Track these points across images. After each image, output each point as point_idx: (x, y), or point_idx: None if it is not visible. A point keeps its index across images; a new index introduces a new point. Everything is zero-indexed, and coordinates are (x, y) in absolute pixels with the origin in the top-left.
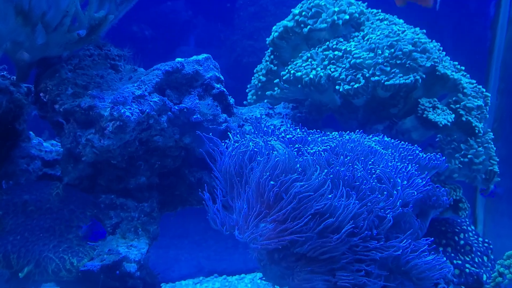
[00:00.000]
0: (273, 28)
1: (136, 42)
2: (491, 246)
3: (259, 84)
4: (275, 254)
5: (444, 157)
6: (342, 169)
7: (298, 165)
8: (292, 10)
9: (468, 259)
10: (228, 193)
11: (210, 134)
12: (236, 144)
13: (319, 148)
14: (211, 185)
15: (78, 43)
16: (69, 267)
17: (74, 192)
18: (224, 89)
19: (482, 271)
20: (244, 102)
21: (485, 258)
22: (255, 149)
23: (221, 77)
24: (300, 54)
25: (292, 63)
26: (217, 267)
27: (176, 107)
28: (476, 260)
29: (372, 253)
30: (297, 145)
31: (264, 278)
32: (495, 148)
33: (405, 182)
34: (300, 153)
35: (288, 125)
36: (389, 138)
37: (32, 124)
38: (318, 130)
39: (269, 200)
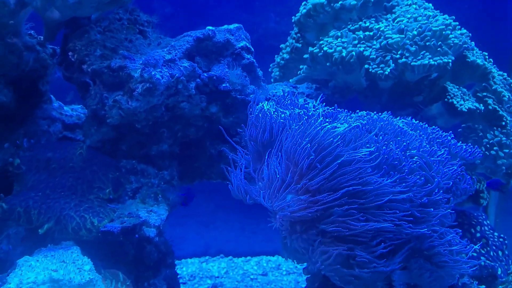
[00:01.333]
0: (302, 4)
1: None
2: (506, 242)
3: (282, 62)
4: (297, 226)
5: (480, 153)
6: (384, 147)
7: (336, 138)
8: None
9: (483, 252)
10: (252, 164)
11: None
12: (266, 112)
13: (351, 124)
14: (232, 159)
15: (109, 4)
16: (89, 227)
17: (97, 154)
18: (254, 60)
19: (497, 265)
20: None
21: (499, 253)
22: (287, 118)
23: (252, 48)
24: (330, 32)
25: (322, 40)
26: (224, 248)
27: (206, 74)
28: (492, 253)
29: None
30: (327, 120)
31: (282, 254)
32: None
33: (440, 167)
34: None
35: (316, 104)
36: (417, 121)
37: (54, 87)
38: (344, 110)
39: (302, 168)
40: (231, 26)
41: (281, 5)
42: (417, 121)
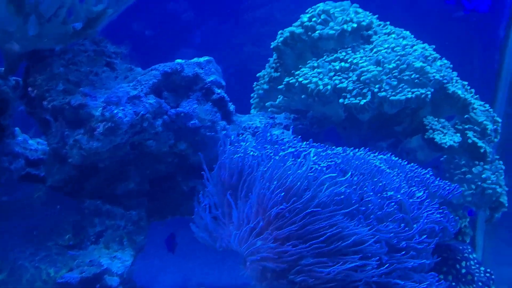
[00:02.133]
0: (279, 32)
1: (136, 41)
2: (493, 277)
3: (262, 92)
4: (268, 273)
5: (460, 188)
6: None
7: (305, 182)
8: (301, 15)
9: None
10: (219, 207)
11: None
12: (235, 153)
13: (323, 164)
14: (205, 196)
15: (73, 36)
16: (45, 278)
17: (57, 196)
18: (225, 95)
19: None
20: (251, 111)
21: None
22: (257, 159)
23: (223, 82)
24: (308, 62)
25: (299, 70)
26: (205, 280)
27: (173, 111)
28: None
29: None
30: (299, 159)
31: None
32: (503, 176)
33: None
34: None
35: (290, 137)
36: (396, 158)
37: (19, 120)
38: (321, 144)
39: (270, 215)
40: (201, 59)
41: (264, 28)
42: (397, 157)
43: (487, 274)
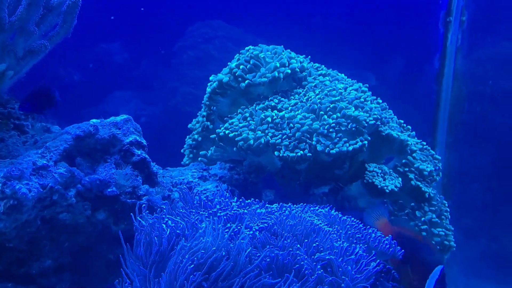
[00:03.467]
0: (208, 85)
1: (63, 88)
2: None
3: (194, 143)
4: None
5: (398, 247)
6: (280, 252)
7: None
8: (228, 63)
9: None
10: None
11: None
12: (152, 226)
13: (255, 227)
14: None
15: None
16: None
17: None
18: (146, 156)
19: None
20: (181, 163)
21: None
22: (177, 231)
23: (143, 141)
24: (238, 111)
25: (228, 121)
26: None
27: (87, 179)
28: None
29: None
30: (229, 225)
31: None
32: (449, 217)
33: (351, 268)
34: (233, 234)
35: (223, 191)
36: (336, 212)
37: None
38: (256, 200)
39: None
40: (118, 118)
41: (201, 68)
42: (338, 204)
43: None
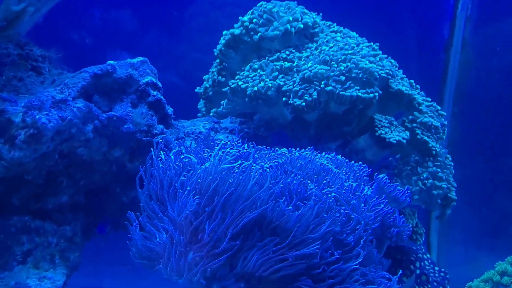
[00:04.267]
0: (223, 33)
1: (76, 50)
2: (447, 276)
3: (206, 96)
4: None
5: (409, 191)
6: (294, 182)
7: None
8: (240, 17)
9: None
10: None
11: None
12: (167, 161)
13: (265, 165)
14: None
15: None
16: None
17: None
18: (162, 97)
19: None
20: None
21: None
22: (188, 167)
23: (159, 83)
24: (250, 64)
25: (240, 73)
26: None
27: (105, 115)
28: None
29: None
30: (240, 161)
31: None
32: (453, 172)
33: (363, 205)
34: (243, 170)
35: (235, 140)
36: (343, 157)
37: None
38: (267, 147)
39: (197, 225)
40: (135, 60)
41: (210, 35)
42: (343, 157)
43: (442, 274)
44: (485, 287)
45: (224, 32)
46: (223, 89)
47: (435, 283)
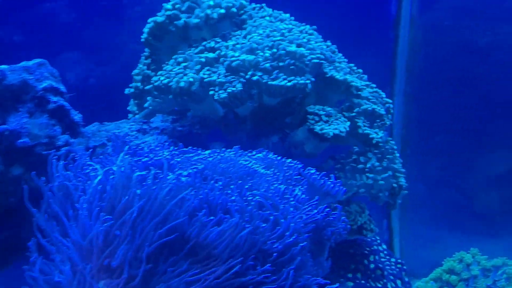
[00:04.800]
0: (146, 25)
1: (3, 49)
2: (404, 267)
3: (138, 94)
4: None
5: (339, 183)
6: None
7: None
8: (164, 4)
9: (380, 285)
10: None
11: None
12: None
13: (183, 172)
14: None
15: None
16: None
17: None
18: (65, 103)
19: None
20: (129, 116)
21: (398, 282)
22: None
23: (61, 87)
24: (174, 57)
25: (164, 68)
26: None
27: None
28: (389, 286)
29: None
30: (153, 171)
31: None
32: (401, 160)
33: (292, 209)
34: (157, 181)
35: (163, 142)
36: (275, 155)
37: None
38: (194, 148)
39: (98, 243)
40: (30, 63)
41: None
42: (282, 151)
43: (398, 266)
44: (433, 287)
45: (148, 20)
46: (147, 87)
47: (391, 277)
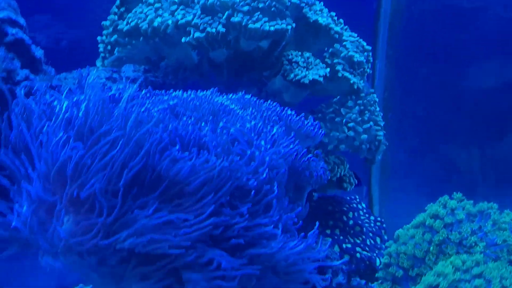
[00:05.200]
0: None
1: None
2: (384, 225)
3: (108, 47)
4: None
5: (318, 125)
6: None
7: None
8: None
9: (358, 241)
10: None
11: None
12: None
13: (153, 108)
14: None
15: None
16: None
17: None
18: (25, 37)
19: (374, 254)
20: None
21: (378, 240)
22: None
23: (21, 21)
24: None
25: (133, 11)
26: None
27: None
28: (368, 242)
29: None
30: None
31: None
32: (381, 113)
33: (269, 146)
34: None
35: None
36: (252, 97)
37: None
38: (168, 92)
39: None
40: None
41: None
42: (255, 98)
43: (378, 224)
44: (415, 233)
45: None
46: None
47: (370, 234)
